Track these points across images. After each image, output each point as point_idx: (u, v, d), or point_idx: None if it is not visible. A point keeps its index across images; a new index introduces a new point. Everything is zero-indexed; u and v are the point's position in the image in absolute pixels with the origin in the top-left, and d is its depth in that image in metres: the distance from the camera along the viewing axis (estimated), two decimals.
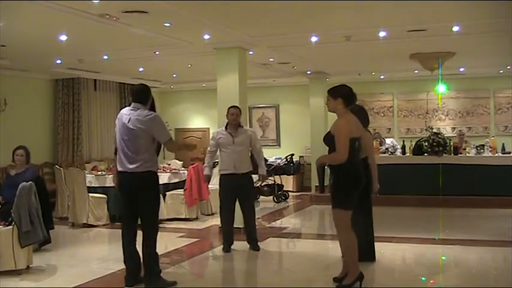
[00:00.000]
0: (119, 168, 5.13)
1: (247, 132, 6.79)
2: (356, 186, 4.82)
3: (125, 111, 5.17)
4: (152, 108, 5.24)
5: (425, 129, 11.23)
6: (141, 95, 5.15)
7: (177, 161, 11.63)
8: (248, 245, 6.74)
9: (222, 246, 6.73)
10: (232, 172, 6.53)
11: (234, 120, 6.65)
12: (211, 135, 6.98)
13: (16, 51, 8.44)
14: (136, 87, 5.32)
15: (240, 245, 6.76)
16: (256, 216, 9.30)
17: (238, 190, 6.59)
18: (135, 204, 5.08)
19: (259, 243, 6.83)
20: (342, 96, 4.86)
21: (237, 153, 6.56)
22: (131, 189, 5.06)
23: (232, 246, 6.70)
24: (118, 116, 5.23)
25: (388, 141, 11.30)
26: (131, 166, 5.01)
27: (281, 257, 6.93)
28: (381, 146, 11.11)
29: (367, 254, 5.77)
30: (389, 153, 10.79)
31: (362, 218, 5.71)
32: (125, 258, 5.20)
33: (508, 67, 11.49)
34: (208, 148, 6.81)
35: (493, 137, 11.48)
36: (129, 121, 5.04)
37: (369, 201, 5.82)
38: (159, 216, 5.38)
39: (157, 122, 5.05)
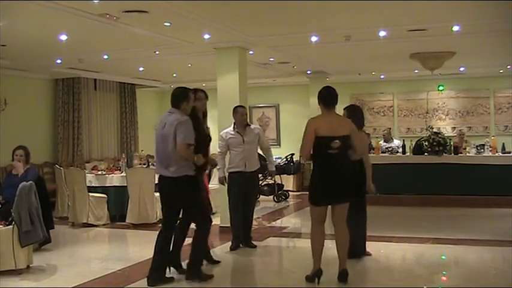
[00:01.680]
0: (159, 173, 5.25)
1: (255, 130, 6.86)
2: (318, 184, 4.93)
3: (162, 117, 5.23)
4: (193, 113, 5.29)
5: (426, 129, 11.23)
6: (173, 99, 5.17)
7: None
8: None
9: (228, 244, 6.75)
10: (242, 170, 6.58)
11: (244, 120, 6.69)
12: (218, 136, 6.94)
13: (16, 51, 8.44)
14: (172, 92, 5.24)
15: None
16: (257, 216, 9.36)
17: (246, 187, 6.65)
18: (174, 207, 5.22)
19: (259, 243, 6.85)
20: (319, 98, 5.09)
21: (247, 151, 6.64)
22: (170, 194, 5.16)
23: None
24: (157, 122, 5.32)
25: (395, 141, 11.32)
26: (166, 171, 5.07)
27: (281, 257, 6.94)
28: (386, 142, 11.15)
29: (358, 251, 5.89)
30: (389, 152, 10.79)
31: (355, 216, 5.76)
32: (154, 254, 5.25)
33: (508, 67, 11.49)
34: (219, 150, 6.80)
35: (493, 136, 11.47)
36: (164, 127, 5.09)
37: (362, 200, 5.88)
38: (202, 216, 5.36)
39: (180, 126, 4.97)
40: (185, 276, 5.26)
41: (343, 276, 4.98)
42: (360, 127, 5.87)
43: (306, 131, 4.90)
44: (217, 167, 6.73)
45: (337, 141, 4.83)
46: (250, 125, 6.82)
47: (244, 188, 6.64)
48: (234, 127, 6.72)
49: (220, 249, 6.71)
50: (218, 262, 5.94)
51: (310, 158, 4.99)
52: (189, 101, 5.19)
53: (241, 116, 6.68)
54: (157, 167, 5.24)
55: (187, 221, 5.46)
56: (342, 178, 4.94)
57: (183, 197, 5.12)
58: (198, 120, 5.48)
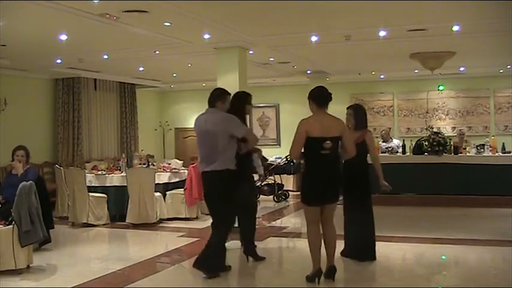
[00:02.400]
0: (202, 169, 5.48)
1: None
2: (310, 184, 4.94)
3: (202, 116, 5.53)
4: (236, 110, 5.61)
5: (426, 129, 11.23)
6: (210, 99, 5.48)
7: (177, 160, 11.65)
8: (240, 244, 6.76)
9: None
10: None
11: None
12: None
13: (16, 51, 8.45)
14: (211, 92, 5.56)
15: (239, 245, 6.75)
16: (256, 216, 9.35)
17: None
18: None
19: (259, 243, 6.83)
20: (311, 97, 5.07)
21: None
22: (211, 187, 5.39)
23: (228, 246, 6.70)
24: (195, 122, 5.59)
25: (395, 141, 11.33)
26: (209, 167, 5.33)
27: (281, 257, 6.93)
28: (385, 142, 11.14)
29: (366, 253, 5.82)
30: (389, 152, 10.79)
31: (360, 217, 5.74)
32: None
33: (508, 67, 11.50)
34: None
35: (493, 136, 11.47)
36: (206, 124, 5.40)
37: (368, 200, 5.85)
38: (229, 216, 5.58)
39: (231, 121, 5.33)
40: (193, 264, 5.37)
41: (330, 272, 5.00)
42: (363, 127, 5.88)
43: (297, 132, 4.90)
44: None
45: (328, 141, 4.83)
46: None
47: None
48: None
49: None
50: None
51: (301, 157, 5.00)
52: (224, 102, 5.48)
53: None
54: (201, 164, 5.46)
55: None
56: (333, 179, 4.97)
57: (219, 190, 5.30)
58: (244, 120, 5.86)
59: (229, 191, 5.34)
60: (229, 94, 5.64)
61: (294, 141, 4.92)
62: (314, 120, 4.97)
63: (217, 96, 5.48)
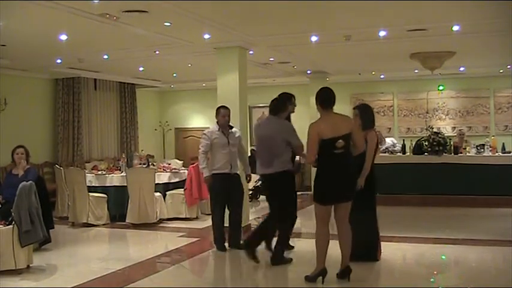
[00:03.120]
0: (260, 173, 6.10)
1: (237, 133, 6.84)
2: (326, 183, 4.96)
3: (261, 121, 6.28)
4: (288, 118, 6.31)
5: (426, 129, 11.23)
6: (271, 108, 6.11)
7: (177, 160, 11.64)
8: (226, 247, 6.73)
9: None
10: (228, 172, 6.53)
11: (226, 122, 6.64)
12: (202, 135, 6.77)
13: (16, 50, 8.44)
14: (272, 102, 6.19)
15: None
16: (257, 216, 9.35)
17: (232, 190, 6.61)
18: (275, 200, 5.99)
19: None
20: (317, 100, 5.11)
21: (232, 153, 6.62)
22: (271, 189, 6.00)
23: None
24: (256, 126, 6.38)
25: (388, 140, 11.31)
26: (267, 170, 5.88)
27: None
28: (380, 145, 11.10)
29: (368, 254, 5.80)
30: (389, 152, 10.78)
31: (361, 218, 5.73)
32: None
33: (508, 67, 11.49)
34: (203, 148, 6.60)
35: (493, 136, 11.48)
36: (265, 129, 6.01)
37: (371, 201, 5.83)
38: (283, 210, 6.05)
39: (289, 129, 5.99)
40: (271, 262, 5.85)
41: (345, 273, 5.01)
42: (370, 126, 5.85)
43: (309, 136, 4.90)
44: (203, 167, 6.61)
45: (340, 141, 4.86)
46: (232, 127, 6.76)
47: (231, 191, 6.63)
48: (218, 128, 6.65)
49: (216, 251, 6.68)
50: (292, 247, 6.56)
51: (316, 162, 4.99)
52: (286, 110, 6.17)
53: (222, 117, 6.61)
54: (259, 168, 6.00)
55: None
56: (347, 177, 5.00)
57: (277, 189, 5.89)
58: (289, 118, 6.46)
59: (282, 190, 5.90)
60: (290, 100, 6.36)
61: (308, 146, 4.95)
62: (322, 122, 4.98)
63: (280, 109, 6.10)
